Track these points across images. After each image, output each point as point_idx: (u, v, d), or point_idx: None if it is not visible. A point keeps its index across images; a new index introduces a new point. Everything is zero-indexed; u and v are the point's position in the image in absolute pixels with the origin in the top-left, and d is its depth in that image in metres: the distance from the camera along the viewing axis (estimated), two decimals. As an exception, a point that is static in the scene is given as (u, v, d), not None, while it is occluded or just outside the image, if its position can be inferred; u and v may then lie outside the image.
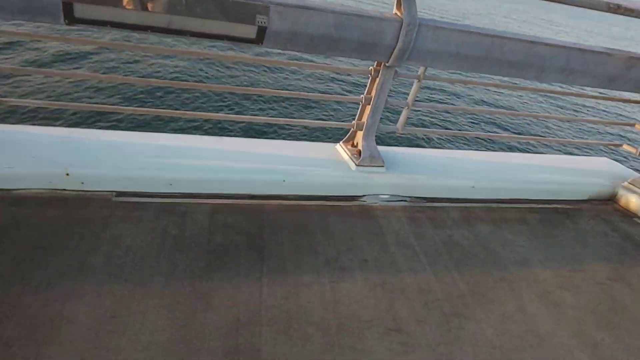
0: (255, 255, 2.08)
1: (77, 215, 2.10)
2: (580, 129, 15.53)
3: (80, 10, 2.00)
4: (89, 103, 10.01)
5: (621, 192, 3.39)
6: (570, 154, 10.96)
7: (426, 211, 2.76)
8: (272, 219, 2.37)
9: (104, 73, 12.17)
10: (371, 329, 1.82)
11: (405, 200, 2.81)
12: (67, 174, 2.24)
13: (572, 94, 3.83)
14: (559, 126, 15.32)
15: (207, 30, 2.20)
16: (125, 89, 11.67)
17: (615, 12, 2.76)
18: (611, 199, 3.42)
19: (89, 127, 9.23)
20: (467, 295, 2.12)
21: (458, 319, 1.97)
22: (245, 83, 14.44)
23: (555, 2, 2.63)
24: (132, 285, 1.77)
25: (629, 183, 3.40)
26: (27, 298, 1.62)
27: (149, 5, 2.06)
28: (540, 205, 3.13)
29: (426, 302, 2.03)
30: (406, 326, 1.87)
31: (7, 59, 12.43)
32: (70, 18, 2.01)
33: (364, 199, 2.74)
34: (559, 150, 11.28)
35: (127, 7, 2.04)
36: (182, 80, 12.76)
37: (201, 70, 14.48)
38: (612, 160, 3.96)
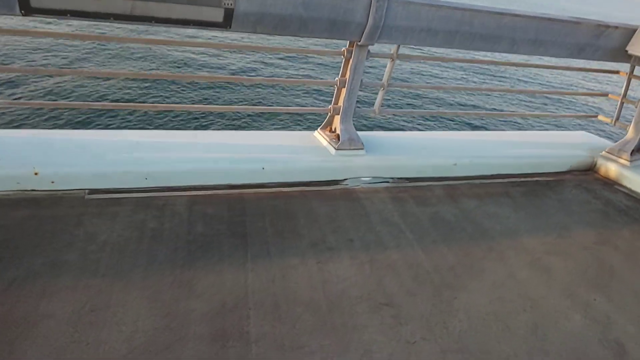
0: (237, 242, 2.06)
1: (48, 214, 2.06)
2: (556, 102, 15.79)
3: None
4: (53, 100, 9.74)
5: (600, 161, 3.45)
6: (548, 129, 11.16)
7: (409, 190, 2.77)
8: (253, 206, 2.36)
9: (64, 67, 11.86)
10: (362, 305, 1.82)
11: (387, 182, 2.82)
12: (36, 173, 2.19)
13: (545, 67, 3.88)
14: (534, 100, 15.53)
15: (172, 16, 2.15)
16: (89, 84, 11.37)
17: None
18: (591, 169, 3.48)
19: (55, 128, 9.00)
20: (456, 267, 2.14)
21: (449, 289, 1.99)
22: (214, 71, 14.25)
23: None
24: (110, 279, 1.74)
25: (607, 152, 3.46)
26: None
27: None
28: (522, 179, 3.17)
29: (416, 276, 2.04)
30: (397, 300, 1.88)
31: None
32: (27, 8, 1.94)
33: (345, 182, 2.74)
34: (538, 125, 11.45)
35: None
36: (148, 71, 12.50)
37: (168, 60, 14.21)
38: (589, 133, 4.02)
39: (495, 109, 13.77)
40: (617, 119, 3.53)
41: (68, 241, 1.90)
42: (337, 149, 2.78)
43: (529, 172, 3.28)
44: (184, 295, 1.71)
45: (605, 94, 3.96)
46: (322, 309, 1.76)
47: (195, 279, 1.80)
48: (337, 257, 2.08)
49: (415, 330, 1.73)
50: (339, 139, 2.82)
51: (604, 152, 3.48)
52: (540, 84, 19.00)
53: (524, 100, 15.35)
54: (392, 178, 2.86)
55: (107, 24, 2.14)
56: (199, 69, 14.09)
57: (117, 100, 10.64)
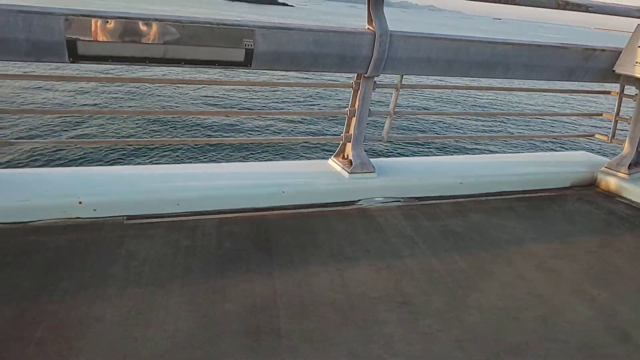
0: (264, 255, 2.11)
1: (92, 237, 2.13)
2: (555, 124, 15.72)
3: (83, 47, 2.03)
4: (94, 140, 10.01)
5: (600, 176, 3.41)
6: (549, 150, 11.07)
7: (420, 208, 2.78)
8: (275, 225, 2.40)
9: (103, 108, 12.17)
10: (381, 304, 1.85)
11: (399, 201, 2.83)
12: (80, 202, 2.26)
13: (541, 90, 3.90)
14: (534, 123, 15.46)
15: (199, 57, 2.24)
16: (122, 123, 11.66)
17: (564, 9, 2.83)
18: (592, 184, 3.43)
19: (96, 164, 9.24)
20: (467, 270, 2.15)
21: (462, 289, 2.00)
22: (236, 107, 14.49)
23: (507, 3, 2.70)
24: (152, 287, 1.81)
25: (606, 167, 3.42)
26: (54, 305, 1.66)
27: (145, 38, 2.10)
28: (527, 195, 3.14)
29: (430, 279, 2.05)
30: (414, 299, 1.90)
31: (14, 101, 12.44)
32: (74, 56, 2.04)
33: (360, 202, 2.76)
34: (539, 147, 11.38)
35: (125, 41, 2.08)
36: (176, 109, 12.77)
37: (194, 98, 14.55)
38: (588, 152, 3.98)
39: (496, 131, 13.76)
40: (613, 136, 3.50)
41: (112, 258, 1.97)
42: (350, 173, 2.82)
43: (532, 188, 3.24)
44: (218, 300, 1.77)
45: (599, 114, 3.93)
46: (345, 307, 1.80)
47: (228, 286, 1.86)
48: (356, 264, 2.11)
49: (432, 323, 1.76)
50: (351, 164, 2.85)
51: (603, 168, 3.43)
52: (538, 106, 18.96)
53: (525, 123, 15.32)
54: (403, 197, 2.87)
55: (142, 66, 2.25)
56: (222, 105, 14.38)
57: (150, 136, 10.89)
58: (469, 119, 14.52)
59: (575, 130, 15.39)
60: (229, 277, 1.93)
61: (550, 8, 2.82)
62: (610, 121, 3.49)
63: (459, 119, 14.52)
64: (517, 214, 2.84)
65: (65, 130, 11.15)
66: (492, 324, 1.79)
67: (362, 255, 2.19)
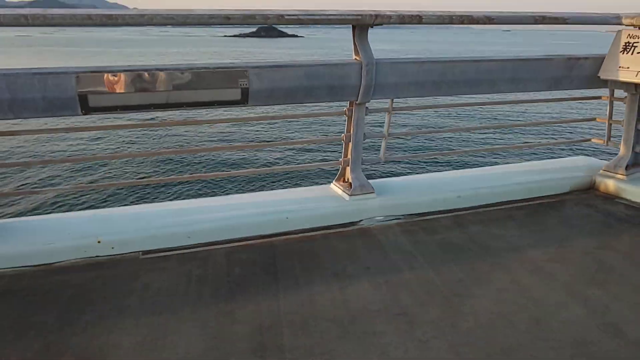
0: (270, 278, 2.17)
1: (110, 273, 2.21)
2: (550, 132, 15.68)
3: (93, 100, 2.15)
4: (110, 182, 10.16)
5: (599, 179, 3.34)
6: (546, 158, 10.86)
7: (419, 224, 2.79)
8: (281, 250, 2.45)
9: (116, 153, 12.39)
10: (380, 317, 1.89)
11: (399, 218, 2.85)
12: (99, 242, 2.34)
13: (531, 101, 3.81)
14: (529, 132, 15.46)
15: (199, 99, 2.34)
16: (134, 165, 11.90)
17: (542, 23, 2.85)
18: (591, 188, 3.36)
19: (113, 205, 9.40)
20: (464, 279, 2.16)
21: (458, 297, 2.02)
22: (235, 141, 14.69)
23: (485, 23, 2.74)
24: (166, 315, 1.89)
25: (604, 170, 3.35)
26: (77, 337, 1.75)
27: (149, 86, 2.21)
28: (526, 203, 3.10)
29: (428, 290, 2.08)
30: (411, 310, 1.94)
31: (36, 153, 12.75)
32: (86, 108, 2.16)
33: (361, 223, 2.78)
34: (536, 156, 11.34)
35: (131, 91, 2.19)
36: (182, 148, 12.96)
37: (195, 136, 14.82)
38: (586, 157, 3.90)
39: (491, 144, 13.78)
40: (609, 139, 3.44)
41: (128, 291, 2.06)
42: (351, 195, 2.85)
43: (531, 196, 3.19)
44: (227, 323, 1.84)
45: (593, 118, 3.86)
46: (345, 322, 1.86)
47: (236, 309, 1.93)
48: (357, 281, 2.15)
49: (427, 331, 1.80)
50: (351, 187, 2.89)
51: (601, 171, 3.37)
52: (531, 116, 18.97)
53: (519, 133, 15.32)
54: (402, 215, 2.88)
55: (148, 112, 2.36)
56: (225, 141, 14.62)
57: (160, 175, 11.04)
58: (463, 134, 14.56)
59: (571, 136, 15.30)
60: (237, 301, 1.99)
61: (528, 23, 2.85)
62: (605, 124, 3.44)
63: (453, 134, 14.56)
64: (516, 223, 2.83)
65: (84, 176, 11.42)
66: (485, 328, 1.82)
67: (362, 272, 2.23)
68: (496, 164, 3.76)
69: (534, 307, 1.95)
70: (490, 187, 3.15)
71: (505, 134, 15.14)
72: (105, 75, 2.13)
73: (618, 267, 2.29)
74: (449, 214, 2.91)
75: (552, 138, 14.86)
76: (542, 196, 3.20)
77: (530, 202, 3.11)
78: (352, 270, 2.24)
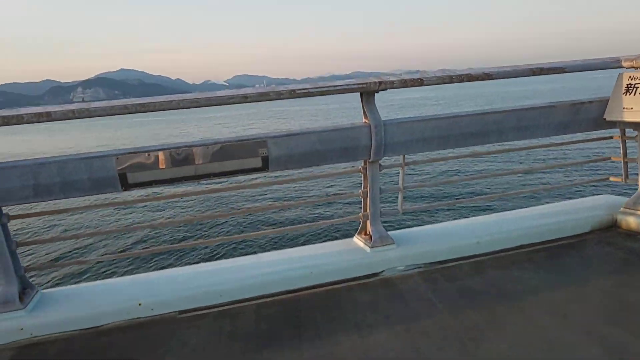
0: (295, 331, 2.17)
1: (150, 333, 2.25)
2: (568, 173, 15.30)
3: (132, 177, 2.28)
4: (150, 249, 10.35)
5: (620, 217, 3.19)
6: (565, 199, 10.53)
7: (440, 271, 2.73)
8: (306, 304, 2.44)
9: (153, 221, 12.66)
10: None
11: (420, 267, 2.80)
12: (140, 304, 2.40)
13: (543, 146, 3.69)
14: (546, 176, 15.14)
15: (224, 169, 2.45)
16: (171, 231, 12.12)
17: (540, 74, 2.84)
18: (613, 226, 3.20)
19: (153, 269, 9.51)
20: (481, 323, 2.10)
21: (474, 342, 1.96)
22: (260, 202, 14.87)
23: (484, 79, 2.77)
24: None
25: (624, 208, 3.21)
26: None
27: (179, 162, 2.34)
28: (546, 245, 2.98)
29: (445, 336, 2.03)
30: (428, 355, 1.90)
31: (84, 226, 13.16)
32: (126, 185, 2.29)
33: (383, 273, 2.75)
34: (555, 199, 11.05)
35: (164, 167, 2.32)
36: (212, 214, 13.18)
37: (222, 202, 15.12)
38: (606, 195, 3.72)
39: (507, 189, 13.52)
40: (627, 176, 3.30)
41: (166, 349, 2.10)
42: (372, 247, 2.84)
43: (552, 238, 3.06)
44: None
45: (608, 158, 3.69)
46: None
47: None
48: (377, 330, 2.12)
49: None
50: (372, 239, 2.88)
51: (622, 208, 3.22)
52: (545, 160, 18.63)
53: (536, 177, 15.01)
54: (423, 264, 2.84)
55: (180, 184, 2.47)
56: (250, 203, 14.81)
57: (191, 240, 11.19)
58: (478, 181, 14.40)
59: (587, 177, 14.84)
60: (264, 354, 2.00)
61: (526, 76, 2.84)
62: (620, 163, 3.32)
63: (468, 182, 14.41)
64: (536, 265, 2.72)
65: (125, 244, 11.67)
66: None
67: (382, 322, 2.20)
68: (513, 208, 3.65)
69: (549, 349, 1.87)
70: (509, 231, 3.06)
71: (521, 178, 14.90)
72: (141, 154, 2.27)
73: (638, 304, 2.17)
74: (469, 260, 2.84)
75: (569, 180, 14.50)
76: (563, 237, 3.07)
77: (550, 244, 2.99)
78: (372, 320, 2.21)
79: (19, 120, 2.05)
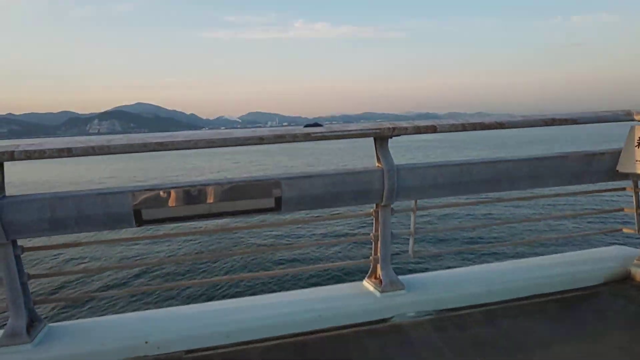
0: None
1: None
2: (580, 223, 15.03)
3: (146, 214, 2.30)
4: (158, 285, 10.30)
5: (634, 269, 3.12)
6: (578, 249, 10.33)
7: (451, 319, 2.67)
8: (313, 349, 2.38)
9: (164, 258, 12.62)
10: None
11: (430, 314, 2.73)
12: (146, 342, 2.35)
13: (555, 195, 3.67)
14: (558, 225, 14.88)
15: (238, 209, 2.45)
16: (180, 268, 12.05)
17: (552, 125, 2.85)
18: (627, 278, 3.14)
19: (161, 305, 9.41)
20: None
21: None
22: (270, 242, 14.78)
23: (496, 128, 2.79)
24: None
25: (638, 259, 3.15)
26: None
27: (193, 200, 2.36)
28: (558, 296, 2.91)
29: None
30: None
31: (96, 260, 13.19)
32: (140, 221, 2.30)
33: (393, 319, 2.69)
34: (566, 249, 10.76)
35: (178, 205, 2.34)
36: (222, 252, 13.12)
37: (234, 240, 15.09)
38: (620, 246, 3.64)
39: (519, 237, 13.28)
40: None
41: None
42: (382, 292, 2.78)
43: (564, 289, 2.99)
44: None
45: (621, 209, 3.62)
46: None
47: None
48: None
49: None
50: (382, 283, 2.83)
51: (635, 260, 3.16)
52: (557, 209, 18.36)
53: (547, 226, 14.75)
54: (433, 310, 2.77)
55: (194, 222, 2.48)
56: (260, 243, 14.75)
57: (200, 277, 11.09)
58: (490, 227, 14.17)
59: (600, 227, 14.52)
60: None
61: (538, 126, 2.85)
62: (634, 214, 3.26)
63: (480, 228, 14.18)
64: (548, 316, 2.65)
65: (134, 279, 11.60)
66: None
67: None
68: (525, 256, 3.57)
69: None
70: (521, 280, 3.00)
71: (532, 226, 14.65)
72: (156, 192, 2.30)
73: None
74: (480, 309, 2.77)
75: (581, 229, 14.23)
76: (575, 288, 2.99)
77: (562, 295, 2.91)
78: None
79: (41, 155, 2.10)
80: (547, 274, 3.07)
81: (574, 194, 3.48)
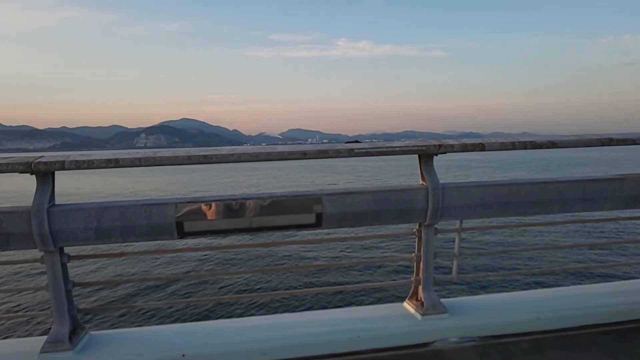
0: None
1: None
2: (632, 251, 14.20)
3: (188, 226, 2.33)
4: (198, 298, 10.46)
5: None
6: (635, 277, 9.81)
7: (496, 347, 2.53)
8: None
9: (204, 271, 12.85)
10: None
11: (474, 340, 2.61)
12: (184, 355, 2.36)
13: (609, 219, 3.43)
14: (609, 252, 14.08)
15: (278, 224, 2.45)
16: (219, 282, 12.21)
17: (609, 145, 2.71)
18: None
19: (198, 319, 9.56)
20: None
21: None
22: (311, 261, 14.76)
23: (549, 147, 2.65)
24: None
25: None
26: None
27: (235, 214, 2.37)
28: (614, 328, 2.73)
29: None
30: None
31: (138, 271, 13.63)
32: (182, 233, 2.34)
33: (434, 344, 2.58)
34: (622, 277, 10.18)
35: (220, 218, 2.36)
36: (262, 268, 13.20)
37: (276, 256, 15.16)
38: None
39: (571, 262, 12.63)
40: None
41: None
42: (423, 315, 2.69)
43: (619, 320, 2.80)
44: None
45: None
46: None
47: None
48: None
49: None
50: (423, 306, 2.74)
51: None
52: (611, 234, 17.36)
53: (601, 252, 13.96)
54: (478, 337, 2.64)
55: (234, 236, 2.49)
56: (300, 260, 14.73)
57: (240, 293, 11.19)
58: (539, 252, 13.56)
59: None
60: None
61: (593, 146, 2.72)
62: None
63: (528, 252, 13.60)
64: (602, 349, 2.48)
65: (175, 291, 11.87)
66: None
67: None
68: (577, 284, 3.36)
69: None
70: (573, 309, 2.82)
71: (585, 252, 13.89)
72: (199, 204, 2.33)
73: None
74: (528, 337, 2.62)
75: (637, 258, 13.40)
76: (631, 320, 2.80)
77: (617, 327, 2.72)
78: None
79: (90, 165, 2.19)
80: (601, 303, 2.89)
81: (630, 218, 3.29)
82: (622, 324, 2.77)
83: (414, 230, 2.78)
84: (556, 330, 2.69)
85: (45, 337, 2.35)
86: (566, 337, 2.63)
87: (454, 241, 2.94)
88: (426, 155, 2.60)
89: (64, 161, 2.17)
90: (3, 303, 11.34)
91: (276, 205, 2.42)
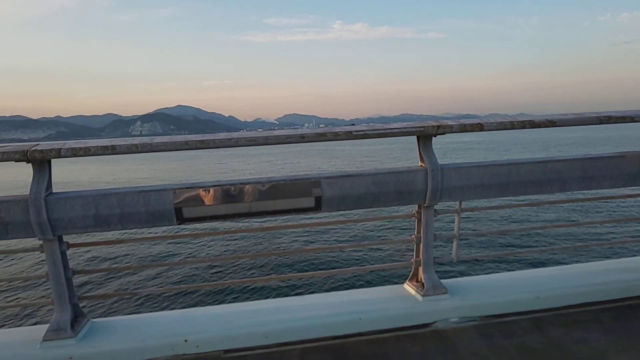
0: None
1: None
2: (632, 229, 14.30)
3: (187, 212, 2.33)
4: (198, 284, 10.57)
5: None
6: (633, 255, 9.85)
7: (496, 326, 2.57)
8: (352, 352, 2.35)
9: (204, 257, 12.94)
10: None
11: (475, 320, 2.65)
12: (186, 340, 2.39)
13: (608, 198, 3.47)
14: (610, 230, 14.17)
15: (277, 208, 2.45)
16: (219, 267, 12.29)
17: (607, 123, 2.70)
18: None
19: (200, 304, 9.66)
20: None
21: None
22: (310, 244, 14.84)
23: (547, 126, 2.65)
24: None
25: None
26: None
27: (234, 199, 2.38)
28: (612, 305, 2.76)
29: None
30: None
31: (137, 257, 13.70)
32: (181, 219, 2.34)
33: (435, 324, 2.62)
34: (621, 254, 10.27)
35: (219, 203, 2.36)
36: (262, 252, 13.28)
37: (274, 241, 15.24)
38: None
39: (569, 241, 12.75)
40: None
41: None
42: (424, 295, 2.72)
43: (619, 297, 2.84)
44: None
45: None
46: None
47: None
48: None
49: None
50: (424, 287, 2.77)
51: None
52: (610, 212, 17.46)
53: (600, 230, 14.06)
54: (478, 316, 2.68)
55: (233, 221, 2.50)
56: (299, 243, 14.82)
57: (239, 277, 11.28)
58: (538, 232, 13.66)
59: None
60: None
61: (592, 124, 2.71)
62: None
63: (528, 232, 13.70)
64: (602, 326, 2.51)
65: (175, 277, 11.96)
66: None
67: None
68: (576, 262, 3.39)
69: None
70: (572, 287, 2.86)
71: (584, 231, 13.99)
72: (198, 190, 2.33)
73: None
74: (528, 316, 2.66)
75: (638, 234, 13.49)
76: (631, 297, 2.84)
77: (616, 304, 2.76)
78: None
79: (86, 152, 2.17)
80: (600, 281, 2.92)
81: (630, 196, 3.28)
82: (621, 300, 2.80)
83: (414, 212, 2.79)
84: (556, 309, 2.72)
85: (47, 326, 2.38)
86: (566, 314, 2.66)
87: (453, 222, 2.96)
88: (425, 137, 2.59)
89: (60, 149, 2.16)
90: (4, 292, 11.44)
91: (275, 189, 2.42)
